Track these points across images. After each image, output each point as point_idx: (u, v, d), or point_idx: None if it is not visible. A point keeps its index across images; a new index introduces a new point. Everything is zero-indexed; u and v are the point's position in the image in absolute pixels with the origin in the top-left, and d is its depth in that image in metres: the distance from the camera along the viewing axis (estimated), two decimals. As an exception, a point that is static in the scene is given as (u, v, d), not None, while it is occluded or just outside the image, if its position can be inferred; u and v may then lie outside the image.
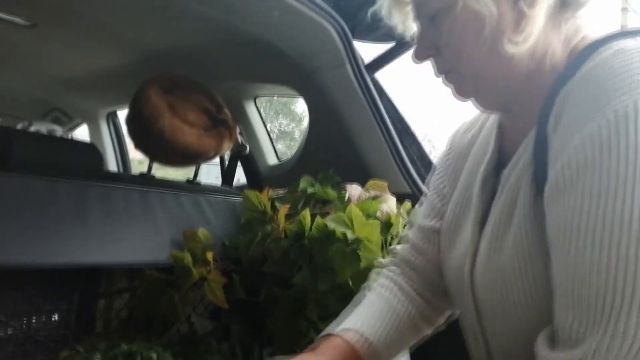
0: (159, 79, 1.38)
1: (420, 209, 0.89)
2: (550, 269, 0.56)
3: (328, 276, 1.01)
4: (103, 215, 1.06)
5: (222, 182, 1.80)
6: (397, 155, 1.35)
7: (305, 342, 1.05)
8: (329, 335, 0.76)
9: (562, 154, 0.54)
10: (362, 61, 1.36)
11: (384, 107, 1.38)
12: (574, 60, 0.59)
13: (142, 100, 1.33)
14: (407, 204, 1.19)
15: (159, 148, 1.36)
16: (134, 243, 1.08)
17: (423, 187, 1.35)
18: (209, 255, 1.10)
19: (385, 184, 1.22)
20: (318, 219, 1.04)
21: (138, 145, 1.46)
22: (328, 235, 1.02)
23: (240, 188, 1.74)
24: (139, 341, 1.03)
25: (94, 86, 2.15)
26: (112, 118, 2.65)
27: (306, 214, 1.07)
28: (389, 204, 1.15)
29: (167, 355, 1.01)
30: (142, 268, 1.11)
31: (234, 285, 1.13)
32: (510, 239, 0.63)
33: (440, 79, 0.70)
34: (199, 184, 1.48)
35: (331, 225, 1.01)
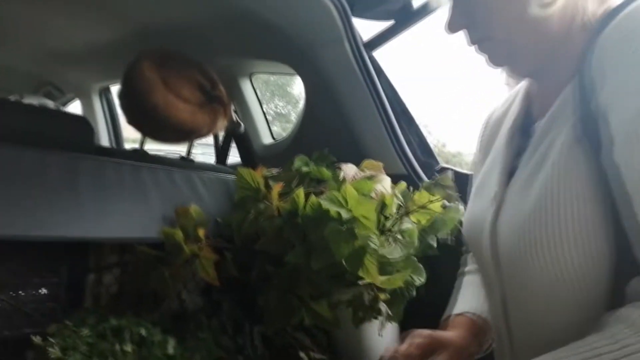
0: (153, 53, 1.35)
1: None
2: (578, 220, 0.58)
3: (322, 255, 1.00)
4: (94, 189, 1.04)
5: (216, 161, 1.78)
6: (394, 136, 1.34)
7: (296, 319, 1.05)
8: (451, 316, 0.89)
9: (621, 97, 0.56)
10: (361, 39, 1.33)
11: (382, 87, 1.36)
12: (609, 13, 0.61)
13: (135, 74, 1.30)
14: (402, 184, 1.18)
15: (152, 124, 1.34)
16: (124, 218, 1.07)
17: (419, 169, 1.34)
18: (201, 232, 1.08)
19: (380, 164, 1.20)
20: (312, 198, 1.03)
21: (131, 121, 1.43)
22: (322, 214, 1.01)
23: (234, 167, 1.73)
24: (129, 317, 1.02)
25: (86, 61, 2.11)
26: (105, 94, 2.61)
27: (300, 192, 1.05)
28: (384, 184, 1.14)
29: (156, 331, 1.00)
30: (133, 243, 1.10)
31: (225, 262, 1.12)
32: (538, 186, 0.64)
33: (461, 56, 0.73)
34: (192, 161, 1.46)
35: (325, 204, 1.00)
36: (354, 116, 1.36)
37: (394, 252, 1.03)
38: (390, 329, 1.11)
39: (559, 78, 0.67)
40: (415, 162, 1.33)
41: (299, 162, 1.23)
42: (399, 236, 1.07)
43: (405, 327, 1.16)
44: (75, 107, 2.71)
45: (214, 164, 1.78)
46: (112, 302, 1.12)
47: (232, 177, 1.37)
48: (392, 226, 1.06)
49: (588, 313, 0.63)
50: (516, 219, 0.67)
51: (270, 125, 1.83)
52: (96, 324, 0.98)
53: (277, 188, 1.11)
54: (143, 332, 0.99)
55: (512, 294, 0.72)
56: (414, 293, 1.09)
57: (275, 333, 1.12)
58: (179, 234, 1.07)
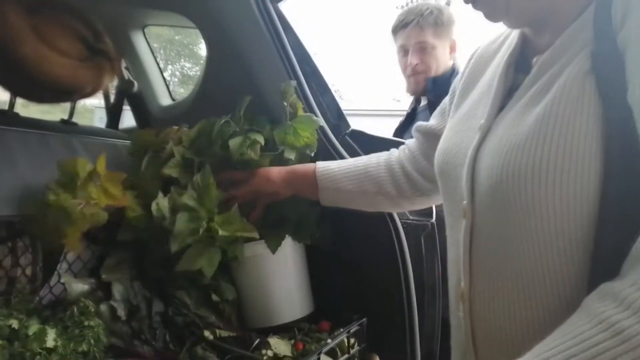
0: (20, -5, 1.14)
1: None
2: (572, 153, 0.58)
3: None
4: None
5: (107, 124, 1.60)
6: (303, 97, 1.25)
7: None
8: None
9: None
10: (265, -11, 1.22)
11: (290, 43, 1.26)
12: None
13: (-4, 19, 1.10)
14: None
15: (22, 80, 1.14)
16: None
17: (329, 132, 1.27)
18: None
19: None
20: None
21: (-5, 77, 1.22)
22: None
23: (129, 132, 1.56)
24: (-3, 307, 0.88)
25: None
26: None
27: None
28: None
29: (31, 322, 0.86)
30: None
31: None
32: (535, 115, 0.64)
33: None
34: (75, 124, 1.28)
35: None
36: (260, 75, 1.25)
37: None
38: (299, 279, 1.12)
39: (561, 21, 0.67)
40: (325, 124, 1.27)
41: None
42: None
43: (313, 285, 1.14)
44: None
45: (105, 127, 1.60)
46: (-23, 291, 0.96)
47: (124, 142, 1.23)
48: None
49: (562, 267, 0.61)
50: (504, 146, 0.66)
51: (176, 87, 1.66)
52: (-47, 318, 0.83)
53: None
54: (15, 324, 0.86)
55: (483, 228, 0.70)
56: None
57: (176, 312, 1.02)
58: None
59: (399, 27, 1.77)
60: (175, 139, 1.13)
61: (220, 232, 0.97)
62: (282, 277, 1.10)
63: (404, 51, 1.79)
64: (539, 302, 0.64)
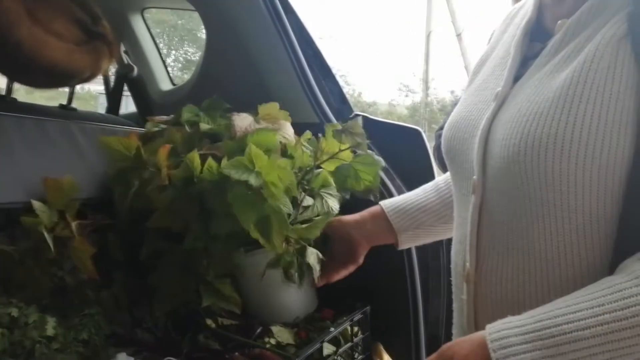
0: (15, -23, 1.12)
1: None
2: (601, 123, 0.55)
3: (225, 221, 0.86)
4: None
5: (107, 109, 1.58)
6: (305, 81, 1.23)
7: (193, 299, 0.94)
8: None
9: None
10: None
11: (291, 26, 1.23)
12: None
13: (-10, 3, 1.07)
14: (308, 133, 1.06)
15: (18, 65, 1.12)
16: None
17: (332, 117, 1.25)
18: (70, 218, 0.90)
19: (276, 106, 1.05)
20: (210, 162, 0.88)
21: (-10, 61, 1.20)
22: (223, 181, 0.86)
23: (130, 117, 1.54)
24: (-4, 296, 0.87)
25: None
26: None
27: (194, 156, 0.89)
28: (286, 131, 1.01)
29: (31, 310, 0.85)
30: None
31: (110, 245, 0.97)
32: (560, 82, 0.60)
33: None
34: (74, 110, 1.27)
35: (228, 171, 0.84)
36: (261, 58, 1.23)
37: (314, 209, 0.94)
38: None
39: None
40: (328, 109, 1.24)
41: (188, 113, 1.06)
42: (322, 192, 0.97)
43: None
44: None
45: (105, 113, 1.58)
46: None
47: (125, 127, 1.21)
48: (308, 182, 0.96)
49: (579, 247, 0.59)
50: (523, 115, 0.62)
51: (180, 72, 1.64)
52: (-48, 307, 0.82)
53: (164, 151, 0.94)
54: (14, 312, 0.85)
55: (494, 204, 0.67)
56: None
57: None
58: (44, 222, 0.87)
59: None
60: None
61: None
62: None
63: None
64: (551, 285, 0.62)
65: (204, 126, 1.04)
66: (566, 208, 0.59)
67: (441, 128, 0.98)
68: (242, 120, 1.00)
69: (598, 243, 0.59)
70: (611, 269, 0.58)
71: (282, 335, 0.97)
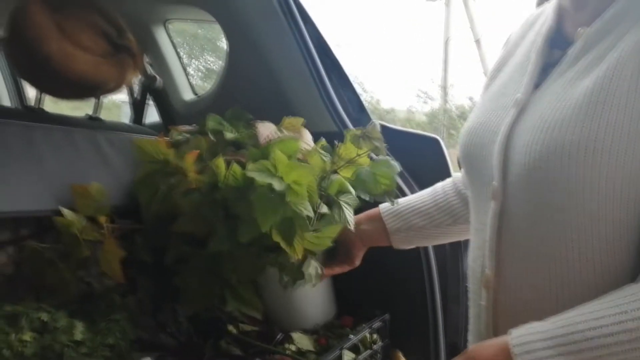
0: (46, -7, 1.16)
1: None
2: (627, 128, 0.55)
3: (249, 226, 0.87)
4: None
5: (132, 120, 1.62)
6: (324, 90, 1.24)
7: (217, 303, 0.96)
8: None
9: None
10: (286, -18, 1.21)
11: (309, 36, 1.25)
12: None
13: (22, 18, 1.12)
14: (322, 141, 1.08)
15: (48, 77, 1.16)
16: (14, 187, 0.92)
17: (350, 126, 1.26)
18: (102, 220, 0.94)
19: (300, 119, 1.10)
20: (235, 167, 0.90)
21: (22, 74, 1.25)
22: (249, 186, 0.89)
23: (154, 127, 1.58)
24: (27, 301, 0.90)
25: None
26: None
27: (220, 161, 0.91)
28: (306, 139, 1.03)
29: (60, 315, 0.88)
30: (27, 216, 0.95)
31: (136, 249, 0.99)
32: (584, 88, 0.60)
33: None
34: (100, 120, 1.30)
35: (253, 174, 0.86)
36: (280, 68, 1.25)
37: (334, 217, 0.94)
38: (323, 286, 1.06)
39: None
40: (346, 118, 1.25)
41: (213, 122, 1.09)
42: (341, 199, 0.98)
43: (336, 281, 1.11)
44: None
45: (130, 123, 1.62)
46: (8, 285, 0.98)
47: (150, 137, 1.24)
48: (325, 189, 0.97)
49: (601, 255, 0.59)
50: (545, 122, 0.62)
51: (201, 81, 1.67)
52: (-13, 311, 0.86)
53: (191, 157, 0.97)
54: (45, 317, 0.88)
55: (514, 210, 0.67)
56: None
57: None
58: (77, 224, 0.91)
59: None
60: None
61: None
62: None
63: None
64: (572, 292, 0.62)
65: (229, 135, 1.07)
66: (588, 215, 0.59)
67: None
68: (266, 129, 1.03)
69: (620, 250, 0.58)
70: (633, 276, 0.58)
71: (302, 341, 0.98)
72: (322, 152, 1.03)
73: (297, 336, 0.99)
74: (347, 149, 1.00)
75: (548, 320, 0.58)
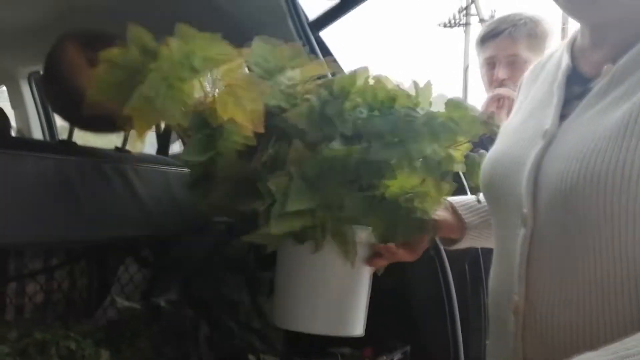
0: (77, 34, 1.22)
1: None
2: None
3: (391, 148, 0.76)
4: (9, 187, 0.92)
5: (157, 151, 1.66)
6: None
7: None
8: None
9: None
10: (306, 18, 1.25)
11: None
12: None
13: (57, 56, 1.18)
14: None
15: (79, 111, 1.22)
16: (47, 218, 0.95)
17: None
18: None
19: None
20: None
21: (56, 109, 1.31)
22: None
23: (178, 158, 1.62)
24: (56, 329, 0.92)
25: (11, 43, 1.91)
26: (35, 79, 2.40)
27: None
28: None
29: (87, 343, 0.91)
30: (58, 247, 0.99)
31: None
32: (612, 121, 0.62)
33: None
34: (128, 152, 1.35)
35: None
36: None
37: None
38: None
39: (630, 29, 0.67)
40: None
41: None
42: None
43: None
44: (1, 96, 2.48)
45: (156, 154, 1.66)
46: (38, 313, 1.01)
47: (171, 168, 1.27)
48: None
49: (638, 282, 0.59)
50: (579, 151, 0.64)
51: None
52: (18, 339, 0.88)
53: None
54: (72, 345, 0.90)
55: (545, 237, 0.68)
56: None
57: (221, 337, 1.05)
58: None
59: (488, 37, 1.58)
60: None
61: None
62: (334, 279, 0.86)
63: (490, 64, 1.59)
64: (607, 317, 0.61)
65: None
66: (624, 240, 0.59)
67: None
68: None
69: None
70: None
71: (323, 371, 0.98)
72: None
73: (318, 366, 0.99)
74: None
75: (601, 350, 0.56)
